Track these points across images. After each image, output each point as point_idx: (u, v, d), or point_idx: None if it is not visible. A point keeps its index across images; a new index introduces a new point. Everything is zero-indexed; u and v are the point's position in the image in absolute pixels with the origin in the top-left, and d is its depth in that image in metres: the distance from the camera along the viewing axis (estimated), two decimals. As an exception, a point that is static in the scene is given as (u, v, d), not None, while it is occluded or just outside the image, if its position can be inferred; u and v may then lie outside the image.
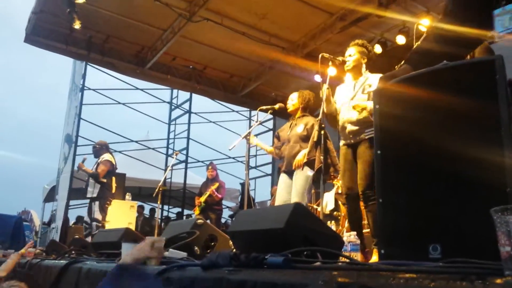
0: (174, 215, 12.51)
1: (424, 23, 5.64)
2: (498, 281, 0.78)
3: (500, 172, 1.25)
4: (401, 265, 1.11)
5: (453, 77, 1.42)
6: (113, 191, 7.07)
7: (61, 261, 3.38)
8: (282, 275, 1.21)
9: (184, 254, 2.50)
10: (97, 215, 6.88)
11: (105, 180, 6.93)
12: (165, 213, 12.49)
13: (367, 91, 3.61)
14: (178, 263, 1.83)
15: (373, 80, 3.62)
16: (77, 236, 5.88)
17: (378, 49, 7.72)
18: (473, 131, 1.33)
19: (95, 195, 6.88)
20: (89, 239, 6.27)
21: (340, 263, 1.60)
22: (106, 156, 7.08)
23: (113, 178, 7.07)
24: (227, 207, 11.33)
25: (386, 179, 1.48)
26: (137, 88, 12.04)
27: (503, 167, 1.24)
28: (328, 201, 6.53)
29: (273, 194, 8.53)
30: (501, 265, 0.88)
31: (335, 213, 6.42)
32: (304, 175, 4.28)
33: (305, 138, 4.41)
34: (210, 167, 8.38)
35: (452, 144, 1.35)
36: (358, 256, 2.99)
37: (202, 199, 7.94)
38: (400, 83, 1.53)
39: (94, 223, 6.81)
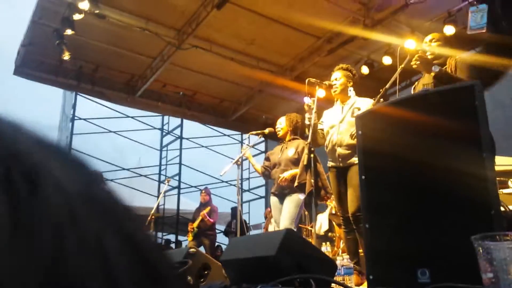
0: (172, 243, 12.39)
1: (409, 44, 5.74)
2: (482, 308, 0.79)
3: (485, 194, 1.26)
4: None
5: (434, 102, 1.45)
6: None
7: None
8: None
9: (177, 285, 2.47)
10: None
11: None
12: (159, 241, 12.35)
13: (356, 114, 3.65)
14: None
15: (361, 103, 3.68)
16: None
17: (365, 70, 7.84)
18: (456, 154, 1.35)
19: None
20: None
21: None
22: None
23: None
24: (221, 231, 11.23)
25: (371, 204, 1.49)
26: (127, 116, 12.06)
27: (487, 189, 1.26)
28: (322, 222, 6.52)
29: (266, 217, 8.49)
30: (485, 290, 0.89)
31: (329, 234, 6.41)
32: (294, 200, 4.27)
33: (295, 162, 4.43)
34: (203, 192, 8.35)
35: (436, 168, 1.37)
36: (352, 279, 2.98)
37: (195, 224, 7.88)
38: (384, 108, 1.55)
39: None
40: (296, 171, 4.01)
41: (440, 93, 1.47)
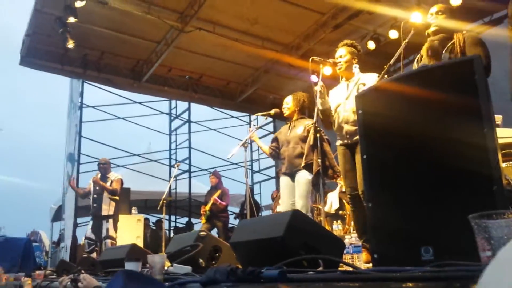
0: (183, 225, 12.53)
1: (415, 17, 5.63)
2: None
3: (486, 170, 1.25)
4: (392, 272, 1.12)
5: (435, 78, 1.43)
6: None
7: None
8: (278, 289, 1.23)
9: (188, 269, 2.51)
10: (112, 232, 6.88)
11: (118, 198, 6.97)
12: (172, 224, 12.51)
13: (361, 90, 3.62)
14: (179, 280, 1.85)
15: (366, 79, 3.63)
16: (85, 255, 5.90)
17: (371, 45, 7.73)
18: (457, 130, 1.34)
19: (111, 213, 6.91)
20: (93, 255, 6.30)
21: (337, 272, 1.60)
22: (118, 175, 7.18)
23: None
24: (234, 213, 11.32)
25: (374, 183, 1.49)
26: (135, 102, 12.08)
27: (489, 166, 1.25)
28: (332, 200, 6.53)
29: (274, 198, 8.52)
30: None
31: (340, 212, 6.43)
32: (304, 177, 4.29)
33: (304, 139, 4.42)
34: (211, 175, 8.39)
35: (438, 144, 1.36)
36: (361, 257, 2.99)
37: (207, 207, 7.93)
38: (382, 86, 1.54)
39: (109, 241, 6.81)
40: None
41: (440, 68, 1.45)
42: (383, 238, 1.45)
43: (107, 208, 6.90)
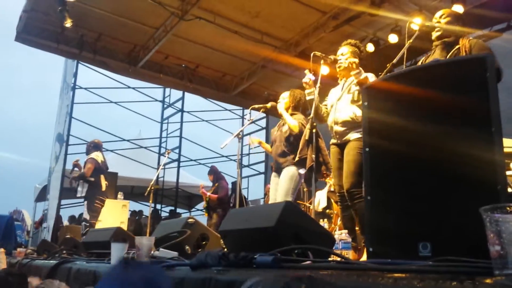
0: (167, 213, 12.48)
1: (417, 22, 5.63)
2: (488, 281, 0.77)
3: (491, 169, 1.24)
4: (390, 264, 1.10)
5: (443, 74, 1.41)
6: (103, 189, 6.98)
7: (51, 261, 3.35)
8: (271, 275, 1.20)
9: (174, 254, 2.48)
10: (85, 214, 6.82)
11: (92, 179, 6.84)
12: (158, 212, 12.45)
13: (352, 91, 3.61)
14: (167, 262, 1.81)
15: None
16: (68, 236, 5.83)
17: (370, 48, 7.74)
18: (463, 128, 1.32)
19: (83, 194, 6.82)
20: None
21: (330, 262, 1.58)
22: (92, 155, 7.01)
23: (102, 176, 6.97)
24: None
25: (374, 177, 1.47)
26: (129, 87, 11.98)
27: (494, 164, 1.23)
28: (320, 199, 6.53)
29: (266, 193, 8.54)
30: (491, 264, 0.87)
31: (327, 211, 6.43)
32: (289, 175, 4.25)
33: (288, 138, 4.39)
34: (208, 174, 8.53)
35: (441, 141, 1.34)
36: (350, 254, 2.99)
37: (204, 203, 8.12)
38: (390, 80, 1.52)
39: (83, 223, 6.76)
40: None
41: (451, 64, 1.43)
42: (380, 233, 1.43)
43: (81, 190, 6.83)
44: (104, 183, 6.96)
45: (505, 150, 3.51)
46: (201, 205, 13.65)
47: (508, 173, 3.26)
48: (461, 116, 1.34)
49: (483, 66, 1.25)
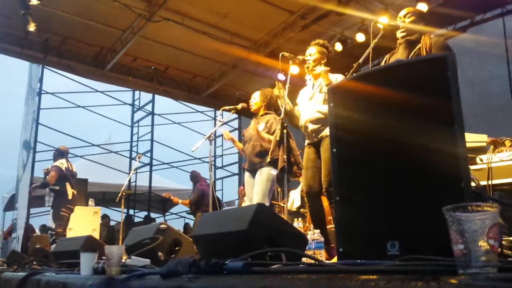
0: (141, 219, 12.30)
1: (382, 21, 5.73)
2: (453, 281, 0.78)
3: (455, 167, 1.26)
4: (359, 265, 1.11)
5: (406, 74, 1.43)
6: (69, 197, 6.80)
7: (21, 273, 3.25)
8: (242, 281, 1.19)
9: (147, 261, 2.44)
10: (50, 223, 6.67)
11: (57, 187, 6.68)
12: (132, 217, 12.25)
13: (324, 90, 3.64)
14: (138, 271, 1.78)
15: (332, 79, 3.65)
16: (38, 246, 5.67)
17: (338, 47, 7.83)
18: (427, 127, 1.34)
19: (50, 203, 6.67)
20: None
21: (301, 264, 1.59)
22: (57, 162, 6.85)
23: (67, 184, 6.81)
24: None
25: (342, 177, 1.48)
26: (97, 91, 11.74)
27: (457, 162, 1.25)
28: (294, 198, 6.57)
29: (239, 195, 8.54)
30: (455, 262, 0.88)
31: (301, 210, 6.46)
32: (265, 174, 4.26)
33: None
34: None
35: (407, 140, 1.36)
36: (322, 254, 3.01)
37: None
38: (355, 80, 1.53)
39: (49, 232, 6.61)
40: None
41: (412, 64, 1.45)
42: (349, 233, 1.44)
43: (48, 199, 6.70)
44: (70, 191, 6.79)
45: (471, 145, 3.60)
46: (176, 208, 13.59)
47: (474, 167, 3.34)
48: (425, 115, 1.36)
49: (444, 66, 1.27)
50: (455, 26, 7.56)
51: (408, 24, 3.29)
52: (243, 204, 6.44)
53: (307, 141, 3.85)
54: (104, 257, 2.30)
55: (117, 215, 11.95)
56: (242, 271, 1.29)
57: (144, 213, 12.49)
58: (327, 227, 3.84)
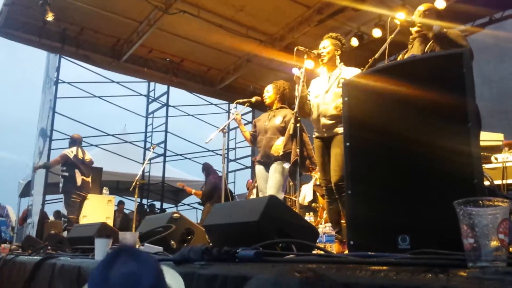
0: (157, 209, 12.43)
1: (399, 17, 5.68)
2: (462, 273, 0.79)
3: (468, 163, 1.27)
4: (369, 257, 1.12)
5: (421, 69, 1.43)
6: (78, 184, 6.89)
7: (36, 257, 3.33)
8: (253, 269, 1.21)
9: (159, 249, 2.48)
10: (63, 209, 6.78)
11: (66, 174, 6.78)
12: (144, 207, 12.39)
13: (341, 85, 3.62)
14: (151, 258, 1.81)
15: (348, 73, 3.63)
16: (53, 232, 5.77)
17: (354, 42, 7.78)
18: (441, 123, 1.35)
19: (60, 190, 6.79)
20: (65, 233, 6.19)
21: (312, 256, 1.60)
22: (66, 150, 6.99)
23: (76, 171, 6.90)
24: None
25: (355, 171, 1.49)
26: (113, 81, 11.84)
27: (471, 158, 1.26)
28: (306, 192, 6.57)
29: (248, 188, 8.57)
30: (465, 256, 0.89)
31: (313, 204, 6.47)
32: (280, 169, 4.28)
33: (282, 130, 4.40)
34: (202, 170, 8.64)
35: (420, 136, 1.37)
36: (333, 247, 3.02)
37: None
38: (370, 75, 1.53)
39: (62, 219, 6.72)
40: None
41: (428, 60, 1.45)
42: (360, 226, 1.45)
43: (60, 186, 6.81)
44: (80, 178, 6.87)
45: (487, 143, 3.58)
46: (188, 199, 13.69)
47: (489, 166, 3.32)
48: (439, 111, 1.36)
49: (459, 62, 1.27)
50: (473, 23, 7.45)
51: (425, 20, 3.27)
52: (251, 197, 6.47)
53: (316, 134, 3.82)
54: (118, 244, 2.35)
55: (130, 204, 12.11)
56: (254, 259, 1.31)
57: (157, 203, 12.62)
58: (341, 222, 3.84)
